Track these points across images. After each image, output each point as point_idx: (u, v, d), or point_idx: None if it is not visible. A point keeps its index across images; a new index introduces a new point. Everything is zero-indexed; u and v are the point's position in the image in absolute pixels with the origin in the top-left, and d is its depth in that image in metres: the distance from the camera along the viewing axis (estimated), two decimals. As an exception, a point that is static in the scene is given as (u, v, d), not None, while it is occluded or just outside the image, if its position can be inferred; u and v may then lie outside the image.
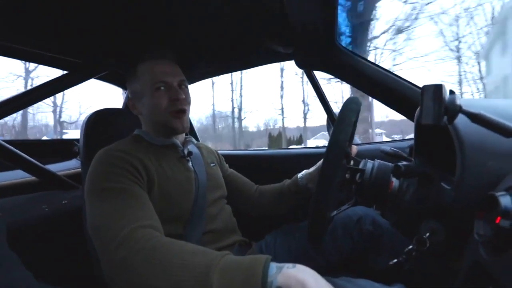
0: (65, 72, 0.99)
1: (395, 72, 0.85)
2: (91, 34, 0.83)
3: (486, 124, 0.38)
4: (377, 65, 0.86)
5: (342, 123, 0.54)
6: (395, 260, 0.56)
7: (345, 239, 0.78)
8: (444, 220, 0.51)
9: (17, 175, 0.98)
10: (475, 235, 0.35)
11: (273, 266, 0.41)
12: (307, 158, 1.11)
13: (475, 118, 0.38)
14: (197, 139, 1.37)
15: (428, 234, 0.54)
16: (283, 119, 15.54)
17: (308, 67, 1.02)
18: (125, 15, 0.74)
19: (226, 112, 16.49)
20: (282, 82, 14.86)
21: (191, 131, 1.36)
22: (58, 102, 13.82)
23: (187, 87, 0.79)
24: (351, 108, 0.56)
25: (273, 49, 0.96)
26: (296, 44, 0.92)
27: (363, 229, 0.78)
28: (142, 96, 0.75)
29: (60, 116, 14.40)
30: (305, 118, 14.66)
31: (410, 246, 0.55)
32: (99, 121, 0.88)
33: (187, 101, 0.77)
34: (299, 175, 0.87)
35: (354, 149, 0.83)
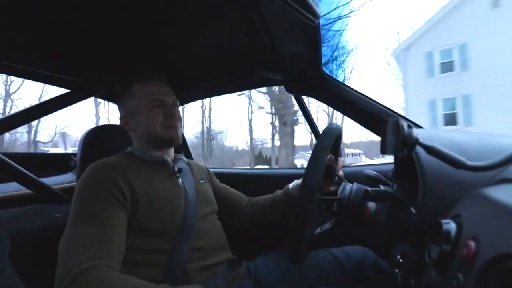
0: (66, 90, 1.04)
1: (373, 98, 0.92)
2: (91, 56, 0.88)
3: (439, 156, 0.42)
4: (357, 91, 0.93)
5: (315, 164, 0.57)
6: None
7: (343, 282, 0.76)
8: (414, 243, 0.54)
9: (12, 188, 1.00)
10: (426, 258, 0.38)
11: None
12: (298, 178, 1.15)
13: (430, 150, 0.43)
14: (190, 155, 1.40)
15: (398, 256, 0.57)
16: (251, 139, 18.82)
17: (296, 92, 1.09)
18: (126, 38, 0.80)
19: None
20: (251, 106, 17.61)
21: (185, 148, 1.40)
22: (34, 123, 14.20)
23: (178, 107, 0.85)
24: (323, 145, 0.59)
25: (264, 76, 1.03)
26: (285, 72, 0.99)
27: (364, 274, 0.76)
28: (137, 113, 0.79)
29: (35, 136, 14.78)
30: (273, 139, 16.80)
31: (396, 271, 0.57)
32: (98, 137, 0.92)
33: (179, 118, 0.83)
34: (290, 185, 0.92)
35: (341, 162, 0.85)
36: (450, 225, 0.35)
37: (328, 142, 0.60)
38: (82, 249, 0.56)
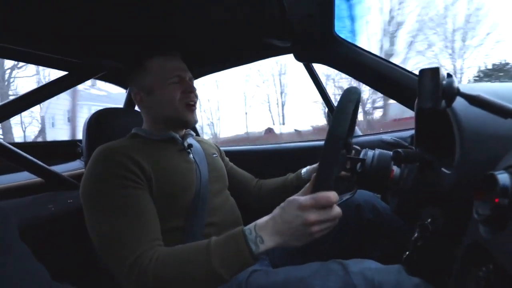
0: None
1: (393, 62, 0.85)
2: (91, 34, 0.83)
3: (485, 106, 0.38)
4: (376, 55, 0.86)
5: (341, 115, 0.54)
6: (407, 253, 0.56)
7: (343, 229, 0.77)
8: (443, 205, 0.51)
9: (23, 177, 0.99)
10: (474, 215, 0.35)
11: (248, 228, 0.51)
12: (309, 151, 1.11)
13: (474, 100, 0.39)
14: (197, 134, 1.38)
15: (429, 219, 0.54)
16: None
17: (306, 60, 1.02)
18: (127, 14, 0.75)
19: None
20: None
21: (193, 128, 1.37)
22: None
23: (193, 83, 0.82)
24: (350, 98, 0.56)
25: (271, 44, 0.96)
26: (294, 38, 0.92)
27: (363, 217, 0.77)
28: (153, 90, 0.76)
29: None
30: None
31: (416, 235, 0.55)
32: (101, 121, 0.89)
33: (197, 96, 0.80)
34: (303, 170, 0.87)
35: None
36: (505, 177, 0.32)
37: (353, 97, 0.55)
38: (128, 239, 0.55)
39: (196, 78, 1.31)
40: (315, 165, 0.84)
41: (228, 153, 1.03)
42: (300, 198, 0.48)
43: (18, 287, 0.31)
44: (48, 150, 1.24)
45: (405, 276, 0.54)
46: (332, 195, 0.47)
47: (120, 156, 0.63)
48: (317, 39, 0.89)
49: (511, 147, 0.37)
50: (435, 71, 0.39)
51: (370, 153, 0.63)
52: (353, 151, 0.75)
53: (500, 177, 0.32)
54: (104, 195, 0.59)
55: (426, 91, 0.39)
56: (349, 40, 0.88)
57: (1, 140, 0.87)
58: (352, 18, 0.92)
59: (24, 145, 1.06)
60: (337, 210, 0.49)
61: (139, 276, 0.50)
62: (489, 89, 0.49)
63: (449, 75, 0.41)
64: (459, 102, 0.40)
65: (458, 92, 0.39)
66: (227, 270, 0.49)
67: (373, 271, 0.54)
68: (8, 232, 0.32)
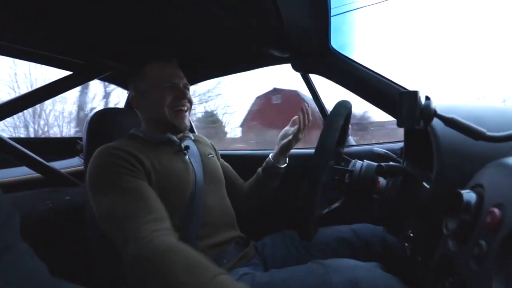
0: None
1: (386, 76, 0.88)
2: (95, 36, 0.86)
3: (458, 127, 0.41)
4: (370, 69, 0.89)
5: (330, 127, 0.57)
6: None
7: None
8: (423, 217, 0.54)
9: (22, 172, 1.01)
10: (443, 230, 0.38)
11: None
12: (298, 158, 1.14)
13: (449, 122, 0.42)
14: (193, 131, 1.40)
15: (409, 231, 0.57)
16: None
17: (304, 70, 1.05)
18: (130, 18, 0.77)
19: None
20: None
21: (190, 130, 1.39)
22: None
23: (189, 90, 0.84)
24: (339, 112, 0.59)
25: (269, 53, 1.00)
26: (292, 49, 0.95)
27: (371, 251, 0.76)
28: (148, 94, 0.79)
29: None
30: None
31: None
32: (102, 120, 0.91)
33: (189, 101, 0.83)
34: (268, 158, 0.95)
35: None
36: (470, 195, 0.35)
37: (343, 111, 0.59)
38: (133, 218, 0.56)
39: (193, 83, 1.35)
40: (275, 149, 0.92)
41: (223, 156, 1.06)
42: None
43: (19, 284, 0.33)
44: (47, 146, 1.26)
45: (382, 273, 0.56)
46: None
47: (122, 152, 0.67)
48: (313, 51, 0.93)
49: (481, 166, 0.40)
50: (414, 94, 0.42)
51: (359, 164, 0.67)
52: (343, 163, 0.78)
53: (465, 195, 0.35)
54: (108, 180, 0.62)
55: (405, 112, 0.42)
56: (344, 53, 0.92)
57: (1, 135, 0.89)
58: (347, 32, 0.96)
59: (24, 140, 1.08)
60: None
61: (138, 245, 0.50)
62: (466, 110, 0.52)
63: (427, 98, 0.44)
64: (439, 122, 0.43)
65: (434, 114, 0.42)
66: None
67: (351, 268, 0.57)
68: (11, 230, 0.34)
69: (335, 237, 0.80)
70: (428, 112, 0.42)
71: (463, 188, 0.38)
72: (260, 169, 0.96)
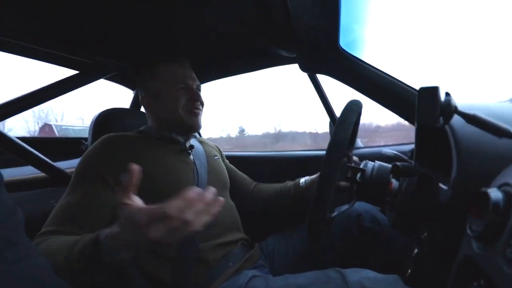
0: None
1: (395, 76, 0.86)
2: (103, 36, 0.86)
3: (480, 124, 0.39)
4: (378, 69, 0.88)
5: (343, 123, 0.55)
6: (409, 271, 0.56)
7: (344, 237, 0.78)
8: (441, 219, 0.52)
9: (27, 171, 1.01)
10: (467, 231, 0.36)
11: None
12: (310, 161, 1.12)
13: (470, 119, 0.40)
14: (199, 135, 1.39)
15: (426, 234, 0.55)
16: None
17: (311, 70, 1.04)
18: (136, 17, 0.77)
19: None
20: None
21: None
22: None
23: (200, 91, 0.84)
24: (352, 109, 0.58)
25: (277, 53, 0.99)
26: (300, 49, 0.94)
27: (362, 226, 0.77)
28: (159, 95, 0.79)
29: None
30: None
31: (416, 250, 0.55)
32: (107, 121, 0.91)
33: (202, 103, 0.83)
34: (302, 180, 0.87)
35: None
36: (497, 194, 0.33)
37: (355, 108, 0.57)
38: (54, 217, 0.62)
39: (201, 83, 1.34)
40: (314, 177, 0.84)
41: (227, 158, 1.05)
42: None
43: (24, 279, 0.32)
44: (53, 146, 1.26)
45: (402, 286, 0.54)
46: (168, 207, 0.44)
47: (119, 146, 0.69)
48: (321, 51, 0.91)
49: (505, 165, 0.38)
50: (434, 89, 0.40)
51: (370, 164, 0.65)
52: (353, 164, 0.76)
53: (492, 195, 0.33)
54: (76, 177, 0.66)
55: (424, 109, 0.40)
56: (353, 53, 0.90)
57: (8, 134, 0.89)
58: (356, 32, 0.95)
59: (30, 140, 1.08)
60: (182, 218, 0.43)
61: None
62: (486, 108, 0.50)
63: (447, 94, 0.42)
64: (457, 120, 0.41)
65: (455, 110, 0.40)
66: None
67: (371, 280, 0.55)
68: (15, 225, 0.34)
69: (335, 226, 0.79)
70: (448, 109, 0.40)
71: (488, 188, 0.37)
72: (292, 186, 0.89)
